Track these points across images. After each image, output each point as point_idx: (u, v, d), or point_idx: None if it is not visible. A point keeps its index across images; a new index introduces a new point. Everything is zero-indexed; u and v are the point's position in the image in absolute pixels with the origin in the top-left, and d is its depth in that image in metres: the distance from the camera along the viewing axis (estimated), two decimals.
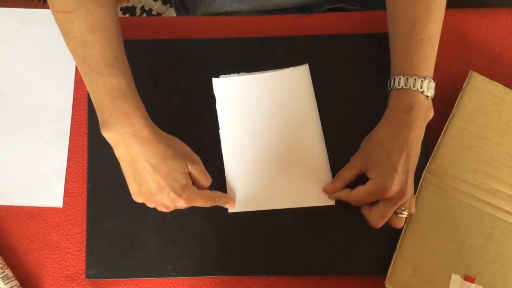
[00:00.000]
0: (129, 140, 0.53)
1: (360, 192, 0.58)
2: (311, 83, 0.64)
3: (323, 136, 0.64)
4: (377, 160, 0.57)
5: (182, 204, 0.55)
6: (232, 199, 0.62)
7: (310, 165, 0.63)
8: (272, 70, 0.65)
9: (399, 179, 0.55)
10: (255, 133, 0.64)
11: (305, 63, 0.65)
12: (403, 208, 0.58)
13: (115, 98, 0.52)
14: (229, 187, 0.63)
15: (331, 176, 0.63)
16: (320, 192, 0.62)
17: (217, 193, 0.60)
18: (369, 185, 0.57)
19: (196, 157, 0.58)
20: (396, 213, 0.58)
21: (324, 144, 0.63)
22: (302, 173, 0.63)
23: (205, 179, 0.58)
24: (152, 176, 0.53)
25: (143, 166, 0.53)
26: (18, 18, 0.69)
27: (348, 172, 0.60)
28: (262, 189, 0.63)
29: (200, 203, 0.57)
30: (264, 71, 0.65)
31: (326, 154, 0.63)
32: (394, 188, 0.55)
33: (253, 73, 0.65)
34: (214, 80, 0.65)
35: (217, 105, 0.64)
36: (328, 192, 0.62)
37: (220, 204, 0.61)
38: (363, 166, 0.59)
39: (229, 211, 0.63)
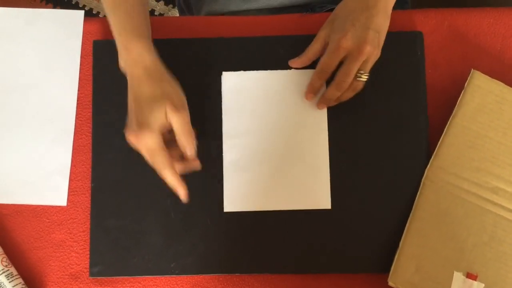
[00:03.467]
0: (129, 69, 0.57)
1: (323, 57, 0.59)
2: (325, 87, 0.64)
3: (327, 141, 0.64)
4: (339, 23, 0.57)
5: (143, 146, 0.54)
6: (183, 192, 0.57)
7: (310, 169, 0.63)
8: (286, 70, 0.65)
9: (355, 33, 0.55)
10: (259, 131, 0.64)
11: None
12: (362, 72, 0.58)
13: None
14: (227, 185, 0.63)
15: (329, 182, 0.63)
16: (316, 197, 0.62)
17: (176, 176, 0.56)
18: (328, 45, 0.58)
19: (182, 105, 0.56)
20: (355, 76, 0.58)
21: (327, 149, 0.63)
22: (301, 176, 0.63)
23: (185, 134, 0.55)
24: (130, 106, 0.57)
25: (129, 98, 0.57)
26: (23, 17, 0.69)
27: (314, 45, 0.61)
28: (259, 189, 0.63)
29: (158, 160, 0.55)
30: (276, 70, 0.65)
31: (328, 159, 0.63)
32: (347, 41, 0.55)
33: (263, 70, 0.65)
34: (224, 73, 0.65)
35: (223, 99, 0.65)
36: (296, 65, 0.63)
37: (173, 188, 0.57)
38: (327, 35, 0.59)
39: (225, 210, 0.63)
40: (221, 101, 0.65)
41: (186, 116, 0.56)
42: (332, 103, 0.63)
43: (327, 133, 0.64)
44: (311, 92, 0.63)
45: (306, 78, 0.64)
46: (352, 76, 0.58)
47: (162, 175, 0.56)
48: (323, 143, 0.64)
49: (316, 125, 0.64)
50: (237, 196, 0.63)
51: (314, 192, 0.63)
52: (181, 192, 0.57)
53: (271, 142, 0.64)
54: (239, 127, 0.64)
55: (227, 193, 0.63)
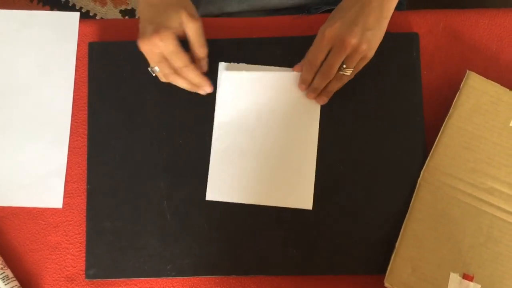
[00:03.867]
0: None
1: (310, 48, 0.60)
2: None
3: (316, 142, 0.64)
4: (331, 17, 0.58)
5: (162, 47, 0.56)
6: (209, 84, 0.62)
7: (296, 169, 0.63)
8: (284, 69, 0.65)
9: (342, 26, 0.56)
10: (250, 127, 0.64)
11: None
12: (344, 66, 0.58)
13: None
14: (212, 173, 0.63)
15: (313, 182, 0.63)
16: (298, 196, 0.63)
17: (198, 72, 0.60)
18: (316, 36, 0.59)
19: (196, 14, 0.58)
20: (339, 69, 0.59)
21: (316, 149, 0.63)
22: (286, 174, 0.63)
23: (200, 41, 0.58)
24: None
25: (141, 6, 0.58)
26: (18, 19, 0.69)
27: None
28: (244, 183, 0.63)
29: (179, 59, 0.57)
30: (273, 70, 0.65)
31: (315, 159, 0.63)
32: (331, 31, 0.56)
33: (261, 68, 0.65)
34: (222, 72, 0.65)
35: (217, 94, 0.65)
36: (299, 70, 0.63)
37: (197, 84, 0.61)
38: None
39: (207, 198, 0.63)
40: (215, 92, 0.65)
41: (201, 24, 0.58)
42: (323, 94, 0.63)
43: (317, 134, 0.64)
44: (303, 83, 0.63)
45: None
46: (335, 68, 0.59)
47: (184, 73, 0.59)
48: (311, 143, 0.64)
49: (307, 125, 0.64)
50: (220, 186, 0.63)
51: (296, 192, 0.63)
52: (207, 84, 0.61)
53: (263, 139, 0.64)
54: (232, 120, 0.64)
55: (211, 182, 0.63)
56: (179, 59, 0.57)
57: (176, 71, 0.59)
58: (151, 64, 0.59)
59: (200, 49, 0.59)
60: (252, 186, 0.63)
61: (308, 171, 0.63)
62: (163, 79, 0.61)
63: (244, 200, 0.63)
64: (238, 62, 0.66)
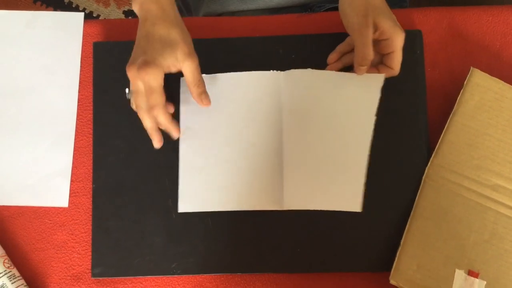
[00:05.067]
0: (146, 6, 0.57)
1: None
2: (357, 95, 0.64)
3: (282, 142, 0.63)
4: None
5: (144, 80, 0.56)
6: (176, 131, 0.61)
7: (265, 169, 0.63)
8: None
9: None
10: (221, 130, 0.64)
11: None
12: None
13: None
14: (182, 182, 0.63)
15: (282, 182, 0.62)
16: (269, 197, 0.62)
17: (168, 116, 0.60)
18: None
19: (193, 52, 0.58)
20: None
21: (281, 147, 0.63)
22: (254, 178, 0.63)
23: (195, 80, 0.58)
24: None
25: (139, 34, 0.58)
26: (23, 20, 0.70)
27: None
28: (214, 189, 0.63)
29: (154, 98, 0.57)
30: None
31: (282, 158, 0.62)
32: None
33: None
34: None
35: (181, 100, 0.64)
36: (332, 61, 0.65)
37: (165, 127, 0.61)
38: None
39: (179, 210, 0.62)
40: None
41: (197, 63, 0.58)
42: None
43: (282, 132, 0.63)
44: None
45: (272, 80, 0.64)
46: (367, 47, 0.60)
47: (155, 112, 0.58)
48: (277, 142, 0.63)
49: (276, 126, 0.63)
50: (191, 195, 0.63)
51: (267, 194, 0.62)
52: (175, 131, 0.61)
53: (232, 142, 0.64)
54: (198, 124, 0.64)
55: (181, 190, 0.63)
56: (156, 98, 0.57)
57: (148, 108, 0.58)
58: (130, 87, 0.58)
59: (194, 88, 0.59)
60: (224, 191, 0.63)
61: (278, 170, 0.62)
62: (132, 107, 0.61)
63: (223, 208, 0.63)
64: (240, 62, 0.65)
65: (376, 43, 0.60)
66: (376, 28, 0.59)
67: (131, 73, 0.56)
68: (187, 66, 0.57)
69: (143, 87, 0.56)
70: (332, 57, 0.64)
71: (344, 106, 0.63)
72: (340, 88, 0.64)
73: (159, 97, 0.57)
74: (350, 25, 0.60)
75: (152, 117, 0.59)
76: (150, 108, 0.57)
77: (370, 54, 0.59)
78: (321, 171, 0.62)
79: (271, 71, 0.64)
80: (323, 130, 0.63)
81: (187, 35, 0.58)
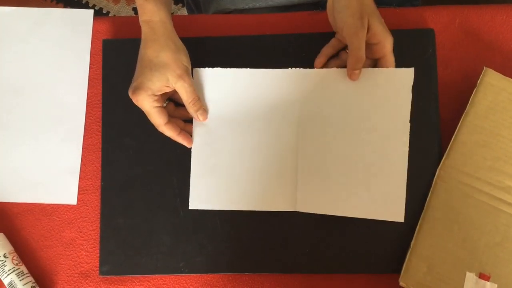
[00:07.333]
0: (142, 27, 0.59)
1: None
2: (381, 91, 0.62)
3: (296, 142, 0.62)
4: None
5: (139, 105, 0.58)
6: (186, 141, 0.62)
7: (277, 171, 0.62)
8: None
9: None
10: (240, 124, 0.63)
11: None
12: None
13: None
14: (194, 179, 0.63)
15: (296, 184, 0.62)
16: (282, 199, 0.62)
17: (173, 131, 0.61)
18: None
19: (184, 73, 0.58)
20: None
21: (296, 151, 0.62)
22: (267, 178, 0.62)
23: (190, 99, 0.59)
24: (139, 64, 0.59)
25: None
26: (32, 17, 0.70)
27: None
28: (226, 188, 0.62)
29: (152, 120, 0.59)
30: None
31: (296, 162, 0.62)
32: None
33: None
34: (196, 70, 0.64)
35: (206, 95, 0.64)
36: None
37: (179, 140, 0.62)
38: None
39: (190, 207, 0.62)
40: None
41: (189, 83, 0.58)
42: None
43: (298, 132, 0.62)
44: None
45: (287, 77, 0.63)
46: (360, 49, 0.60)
47: (160, 130, 0.61)
48: (293, 142, 0.62)
49: (293, 126, 0.63)
50: (202, 193, 0.62)
51: (280, 193, 0.62)
52: (184, 142, 0.62)
53: (246, 140, 0.63)
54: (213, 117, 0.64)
55: (193, 188, 0.63)
56: (154, 120, 0.59)
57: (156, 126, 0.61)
58: None
59: (190, 106, 0.60)
60: (244, 190, 0.62)
61: (290, 172, 0.62)
62: None
63: (231, 207, 0.62)
64: (251, 60, 0.65)
65: (366, 47, 0.59)
66: (367, 30, 0.58)
67: (130, 96, 0.58)
68: (180, 87, 0.58)
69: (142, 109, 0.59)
70: (319, 61, 0.63)
71: (371, 107, 0.62)
72: (365, 87, 0.62)
73: (156, 118, 0.59)
74: (344, 26, 0.59)
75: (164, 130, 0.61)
76: (157, 126, 0.60)
77: (364, 57, 0.58)
78: (344, 176, 0.61)
79: (290, 68, 0.63)
80: (346, 132, 0.62)
81: (181, 53, 0.58)
